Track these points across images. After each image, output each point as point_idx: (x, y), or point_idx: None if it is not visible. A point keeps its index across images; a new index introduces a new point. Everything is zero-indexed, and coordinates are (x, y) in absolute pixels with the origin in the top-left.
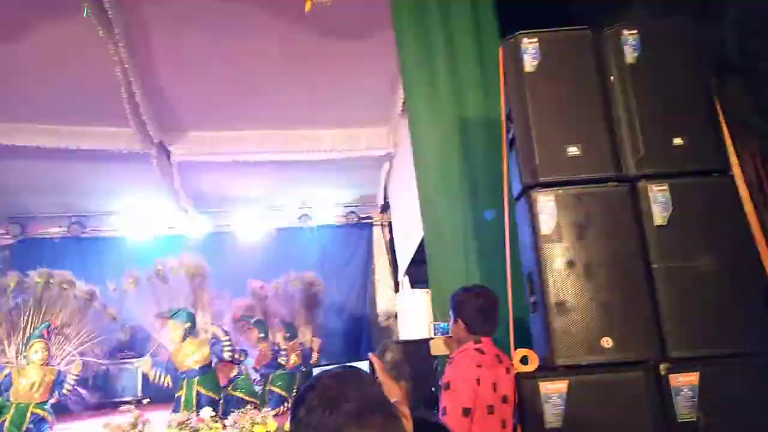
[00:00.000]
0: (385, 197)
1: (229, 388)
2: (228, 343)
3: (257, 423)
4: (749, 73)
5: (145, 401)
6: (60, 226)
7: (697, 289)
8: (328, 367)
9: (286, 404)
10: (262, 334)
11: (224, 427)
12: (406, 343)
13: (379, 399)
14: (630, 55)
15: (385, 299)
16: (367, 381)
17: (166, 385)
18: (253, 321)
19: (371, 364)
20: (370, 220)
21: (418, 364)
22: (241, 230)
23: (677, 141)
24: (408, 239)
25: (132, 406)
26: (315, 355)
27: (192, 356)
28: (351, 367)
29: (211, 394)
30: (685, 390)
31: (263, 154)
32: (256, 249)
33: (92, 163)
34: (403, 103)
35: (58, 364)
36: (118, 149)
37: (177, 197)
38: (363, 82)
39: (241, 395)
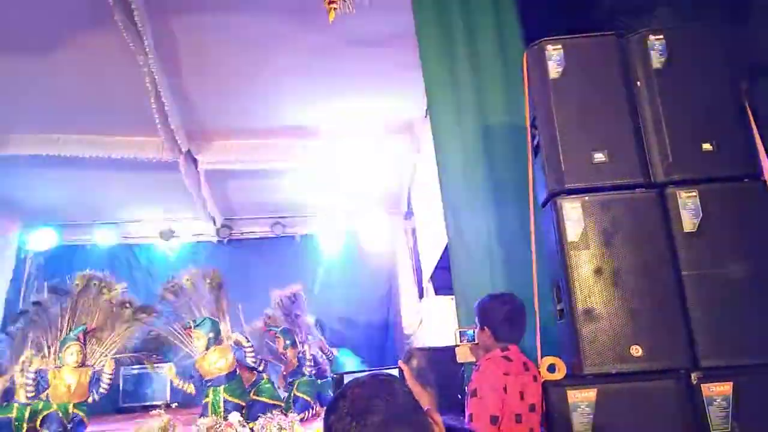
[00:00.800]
0: (409, 204)
1: (252, 393)
2: (251, 349)
3: (284, 429)
4: None
5: (173, 405)
6: (92, 234)
7: (729, 297)
8: (361, 374)
9: (311, 410)
10: (288, 341)
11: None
12: (432, 350)
13: (408, 410)
14: (656, 59)
15: (409, 306)
16: (398, 390)
17: (189, 392)
18: (280, 330)
19: (400, 371)
20: (393, 227)
21: (444, 371)
22: (267, 237)
23: (706, 146)
24: (432, 246)
25: (161, 410)
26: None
27: (217, 364)
28: (382, 375)
29: (236, 400)
30: (719, 400)
31: (288, 162)
32: (282, 256)
33: (124, 172)
34: (427, 109)
35: (92, 365)
36: (148, 158)
37: (204, 205)
38: (387, 88)
39: (265, 399)
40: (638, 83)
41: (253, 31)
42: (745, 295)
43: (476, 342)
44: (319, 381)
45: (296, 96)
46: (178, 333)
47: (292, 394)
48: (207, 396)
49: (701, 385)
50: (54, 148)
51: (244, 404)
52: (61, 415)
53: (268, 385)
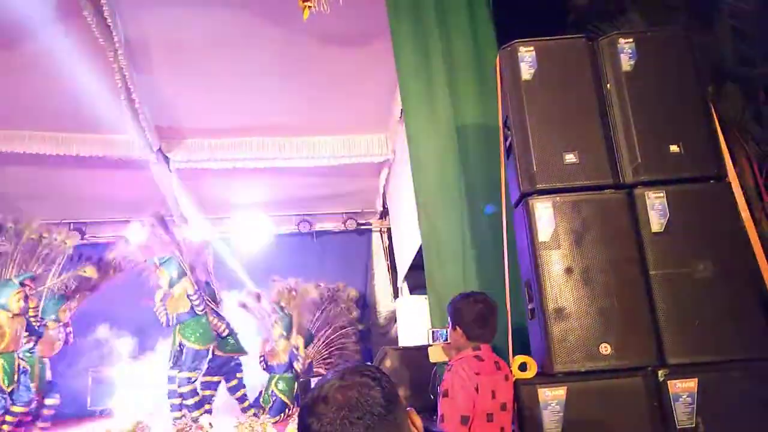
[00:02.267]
0: (384, 203)
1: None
2: (196, 296)
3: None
4: (745, 80)
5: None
6: (58, 234)
7: (695, 296)
8: (336, 370)
9: (287, 411)
10: (284, 333)
11: None
12: (405, 349)
13: (390, 410)
14: (626, 62)
15: (384, 305)
16: (384, 387)
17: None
18: (283, 315)
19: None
20: (369, 227)
21: (417, 371)
22: (240, 237)
23: (674, 148)
24: (406, 245)
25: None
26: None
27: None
28: (362, 370)
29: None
30: (684, 396)
31: (262, 160)
32: (256, 255)
33: (91, 170)
34: (402, 109)
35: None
36: (118, 156)
37: (176, 204)
38: (361, 88)
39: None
40: (608, 85)
41: (226, 28)
42: (710, 294)
43: (448, 341)
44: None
45: (270, 93)
46: None
47: (270, 389)
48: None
49: (668, 381)
50: (20, 146)
51: (200, 348)
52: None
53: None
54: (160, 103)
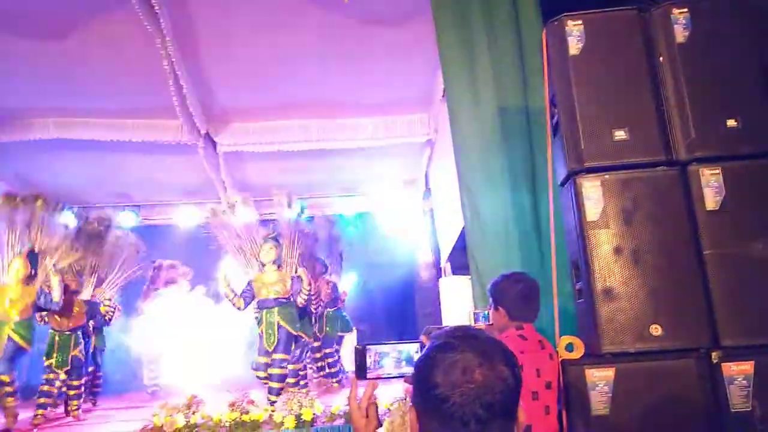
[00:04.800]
0: (427, 183)
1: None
2: (308, 291)
3: (305, 406)
4: None
5: None
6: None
7: (751, 276)
8: (475, 343)
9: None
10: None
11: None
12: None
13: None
14: (680, 34)
15: (427, 286)
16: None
17: (238, 307)
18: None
19: (422, 346)
20: (411, 207)
21: None
22: (285, 218)
23: (731, 123)
24: (449, 226)
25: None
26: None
27: (274, 286)
28: (497, 351)
29: (289, 327)
30: (739, 379)
31: (305, 143)
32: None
33: (144, 155)
34: (444, 89)
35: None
36: (167, 140)
37: (223, 186)
38: (403, 68)
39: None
40: (661, 58)
41: (269, 11)
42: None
43: (491, 323)
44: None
45: (313, 76)
46: None
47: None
48: (260, 323)
49: (722, 364)
50: (75, 132)
51: (295, 334)
52: None
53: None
54: (207, 88)
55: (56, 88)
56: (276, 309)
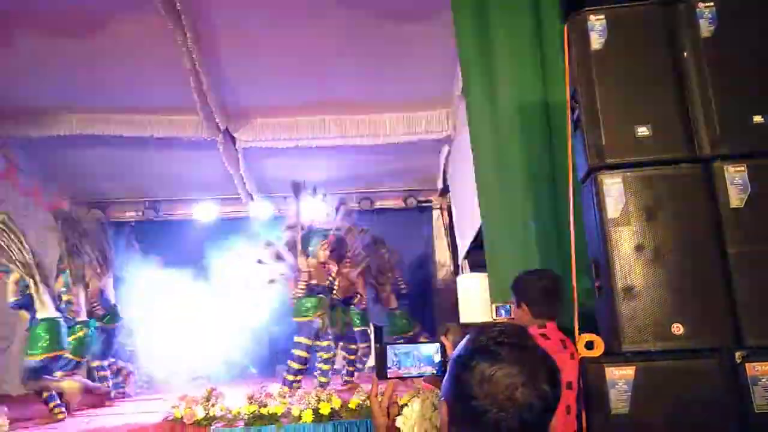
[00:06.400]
0: (445, 181)
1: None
2: None
3: (322, 400)
4: None
5: None
6: (136, 211)
7: None
8: (517, 357)
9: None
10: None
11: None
12: (468, 325)
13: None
14: (705, 28)
15: (445, 283)
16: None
17: None
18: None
19: (442, 346)
20: (429, 204)
21: None
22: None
23: (757, 119)
24: (467, 223)
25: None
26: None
27: None
28: (540, 373)
29: None
30: (764, 379)
31: (324, 139)
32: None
33: (164, 150)
34: (462, 85)
35: None
36: (188, 137)
37: (242, 182)
38: (422, 64)
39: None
40: (685, 53)
41: (289, 8)
42: None
43: (512, 318)
44: None
45: (331, 73)
46: None
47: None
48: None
49: (745, 364)
50: (98, 128)
51: None
52: None
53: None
54: (227, 85)
55: (80, 85)
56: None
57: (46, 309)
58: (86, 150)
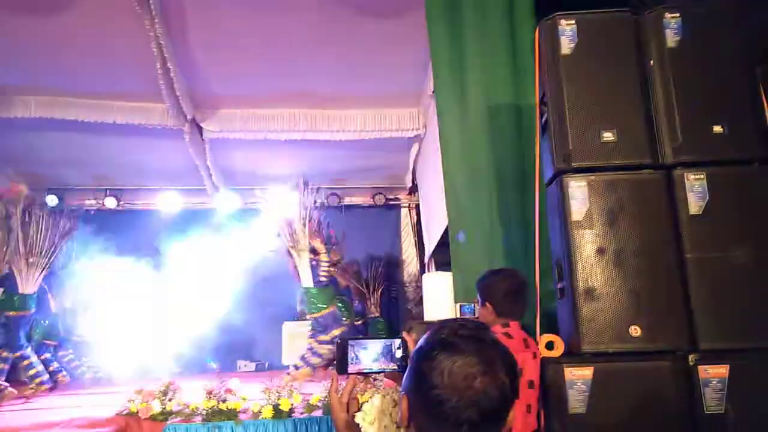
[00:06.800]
0: (414, 179)
1: None
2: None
3: (282, 396)
4: None
5: None
6: (96, 199)
7: (731, 281)
8: (474, 344)
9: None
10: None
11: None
12: (431, 324)
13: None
14: (671, 38)
15: (410, 281)
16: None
17: None
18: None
19: (404, 342)
20: (398, 202)
21: None
22: (269, 208)
23: (717, 129)
24: (434, 222)
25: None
26: None
27: None
28: (498, 360)
29: None
30: (714, 382)
31: (293, 132)
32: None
33: (127, 138)
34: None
35: None
36: (153, 124)
37: (208, 173)
38: (394, 61)
39: None
40: (651, 62)
41: None
42: (747, 280)
43: (476, 317)
44: None
45: (302, 65)
46: None
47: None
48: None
49: (698, 366)
50: (59, 111)
51: None
52: None
53: None
54: (195, 73)
55: (40, 65)
56: None
57: None
58: (46, 134)
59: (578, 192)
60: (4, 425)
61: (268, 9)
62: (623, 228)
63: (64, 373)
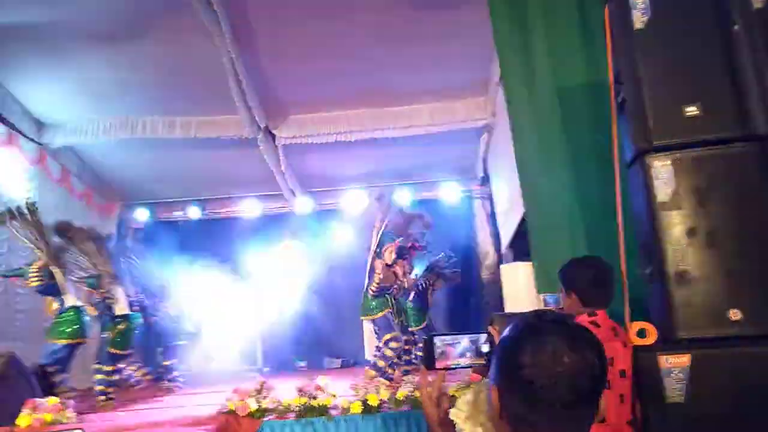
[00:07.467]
0: (485, 169)
1: None
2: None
3: (370, 392)
4: None
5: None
6: (182, 210)
7: None
8: (562, 328)
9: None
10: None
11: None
12: (511, 316)
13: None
14: (758, 0)
15: (488, 273)
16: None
17: None
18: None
19: (490, 336)
20: (469, 194)
21: None
22: (345, 208)
23: None
24: (510, 212)
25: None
26: None
27: None
28: (585, 339)
29: None
30: None
31: (362, 132)
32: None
33: (208, 151)
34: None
35: None
36: (228, 136)
37: (284, 179)
38: (459, 52)
39: None
40: (735, 27)
41: (323, 3)
42: None
43: (561, 307)
44: None
45: (369, 63)
46: None
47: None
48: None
49: None
50: (143, 131)
51: None
52: None
53: None
54: (264, 83)
55: (123, 89)
56: None
57: (71, 298)
58: (132, 153)
59: (663, 171)
60: (114, 425)
61: (328, 14)
62: (715, 207)
63: (172, 374)
